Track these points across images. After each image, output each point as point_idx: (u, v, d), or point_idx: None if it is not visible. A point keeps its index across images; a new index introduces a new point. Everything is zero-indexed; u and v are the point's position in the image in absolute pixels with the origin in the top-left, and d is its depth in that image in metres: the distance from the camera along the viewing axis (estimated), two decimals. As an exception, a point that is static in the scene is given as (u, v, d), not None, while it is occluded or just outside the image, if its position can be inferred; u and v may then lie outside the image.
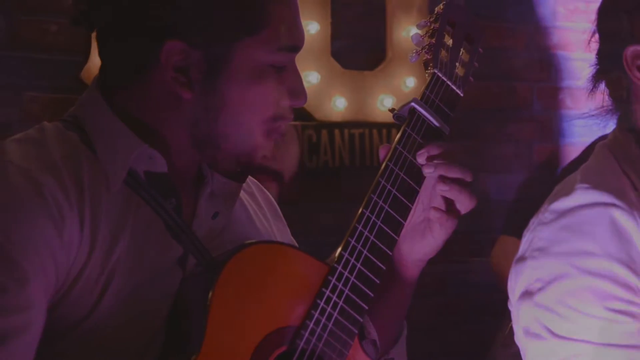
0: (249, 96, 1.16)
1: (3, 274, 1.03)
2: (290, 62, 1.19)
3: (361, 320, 1.21)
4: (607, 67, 1.40)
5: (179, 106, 1.15)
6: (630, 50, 1.35)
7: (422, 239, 1.31)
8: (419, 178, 1.26)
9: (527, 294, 1.33)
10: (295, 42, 1.18)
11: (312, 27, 2.56)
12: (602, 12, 1.42)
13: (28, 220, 1.05)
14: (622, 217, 1.29)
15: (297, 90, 1.20)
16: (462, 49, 1.36)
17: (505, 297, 1.43)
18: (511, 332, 1.41)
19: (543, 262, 1.32)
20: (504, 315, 1.77)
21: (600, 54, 1.42)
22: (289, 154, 2.27)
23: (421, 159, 1.24)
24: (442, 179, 1.25)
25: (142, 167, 1.15)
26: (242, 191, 1.28)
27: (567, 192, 1.35)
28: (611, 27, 1.39)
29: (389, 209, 1.24)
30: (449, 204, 1.27)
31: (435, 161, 1.24)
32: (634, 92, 1.37)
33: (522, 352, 1.38)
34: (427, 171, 1.24)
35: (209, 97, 1.15)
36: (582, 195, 1.33)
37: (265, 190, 1.44)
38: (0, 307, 1.02)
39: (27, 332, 1.03)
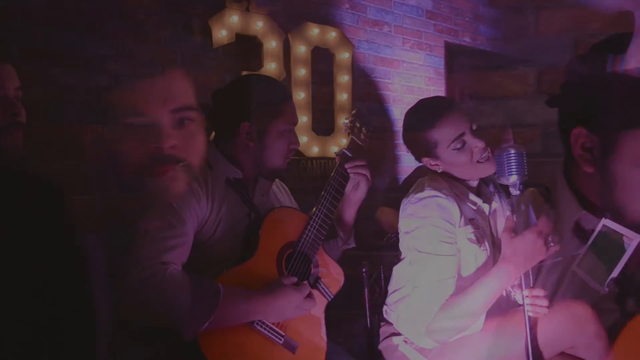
0: (277, 145, 2.37)
1: (172, 218, 2.04)
2: (292, 128, 2.36)
3: (323, 237, 2.34)
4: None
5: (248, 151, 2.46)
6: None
7: (355, 191, 2.49)
8: (347, 176, 2.49)
9: (406, 233, 2.42)
10: (292, 121, 2.34)
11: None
12: None
13: (188, 199, 2.13)
14: (443, 201, 2.37)
15: (294, 141, 2.40)
16: (362, 128, 2.67)
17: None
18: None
19: (412, 220, 2.40)
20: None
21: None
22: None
23: (350, 168, 2.53)
24: (356, 169, 2.47)
25: (232, 175, 2.36)
26: (273, 185, 2.50)
27: (421, 189, 2.43)
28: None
29: (335, 190, 2.41)
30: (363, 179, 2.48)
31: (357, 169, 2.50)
32: None
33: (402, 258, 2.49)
34: (352, 172, 2.47)
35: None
36: (427, 191, 2.41)
37: (284, 184, 2.62)
38: (170, 234, 2.05)
39: (185, 244, 2.10)
